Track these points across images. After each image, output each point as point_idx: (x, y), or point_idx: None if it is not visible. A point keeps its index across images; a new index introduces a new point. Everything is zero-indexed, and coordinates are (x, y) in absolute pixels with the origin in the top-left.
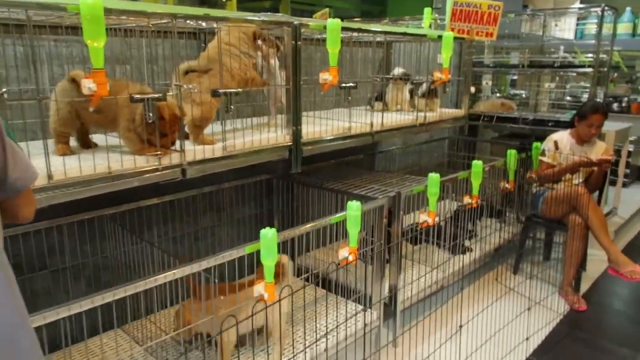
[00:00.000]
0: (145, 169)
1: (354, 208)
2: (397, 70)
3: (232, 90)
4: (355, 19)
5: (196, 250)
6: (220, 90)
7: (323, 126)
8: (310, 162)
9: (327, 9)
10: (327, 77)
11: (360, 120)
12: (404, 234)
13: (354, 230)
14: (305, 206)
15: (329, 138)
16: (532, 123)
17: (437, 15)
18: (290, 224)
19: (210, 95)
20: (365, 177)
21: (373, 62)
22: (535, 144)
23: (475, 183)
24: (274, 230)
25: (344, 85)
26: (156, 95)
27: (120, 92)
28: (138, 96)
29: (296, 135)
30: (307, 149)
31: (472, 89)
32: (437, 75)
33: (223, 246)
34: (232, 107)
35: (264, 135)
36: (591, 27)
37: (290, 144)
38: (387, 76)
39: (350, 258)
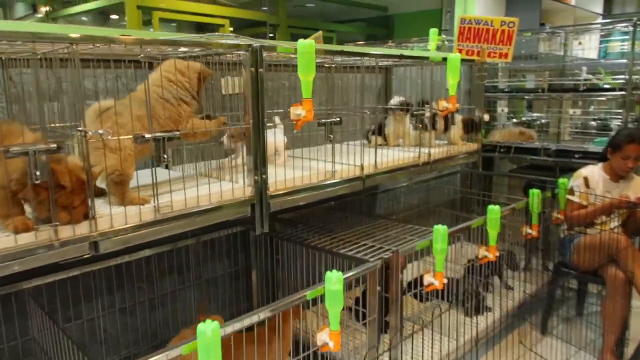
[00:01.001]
0: (31, 247)
1: (333, 281)
2: (396, 100)
3: (164, 134)
4: (359, 43)
5: (153, 322)
6: (148, 135)
7: (301, 170)
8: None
9: (320, 32)
10: (299, 112)
11: (349, 162)
12: (407, 290)
13: (334, 308)
14: (288, 261)
15: (306, 187)
16: (555, 154)
17: (444, 36)
18: (272, 282)
19: (131, 140)
20: (361, 226)
21: (363, 90)
22: (562, 181)
23: (492, 232)
24: (215, 324)
25: (324, 121)
26: (47, 147)
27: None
28: (16, 149)
29: (260, 186)
30: (276, 202)
31: (486, 117)
32: (443, 104)
33: (188, 313)
34: (165, 156)
35: (221, 186)
36: (615, 45)
37: (253, 197)
38: (383, 107)
39: (332, 345)
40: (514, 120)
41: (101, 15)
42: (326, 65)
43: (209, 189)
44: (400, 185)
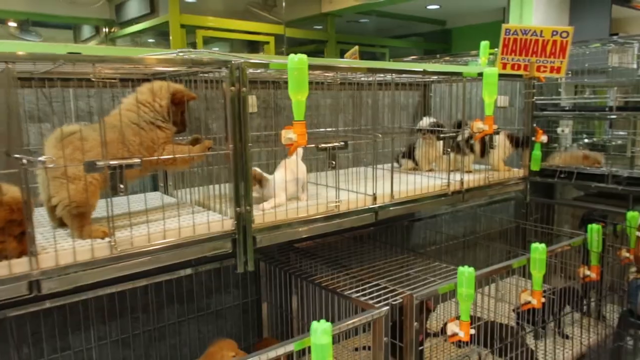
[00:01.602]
0: None
1: (319, 333)
2: (426, 121)
3: (120, 162)
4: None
5: (151, 356)
6: (100, 163)
7: (301, 200)
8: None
9: (356, 47)
10: (290, 135)
11: (360, 190)
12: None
13: None
14: (301, 295)
15: (301, 220)
16: (626, 182)
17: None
18: (285, 316)
19: (85, 169)
20: (384, 260)
21: (393, 109)
22: (632, 214)
23: (537, 275)
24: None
25: (323, 146)
26: None
27: None
28: None
29: (242, 219)
30: (264, 237)
31: (544, 138)
32: (478, 125)
33: (192, 347)
34: (121, 186)
35: (198, 218)
36: None
37: (234, 231)
38: (409, 127)
39: None
40: (586, 140)
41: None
42: (352, 82)
43: (179, 221)
44: (442, 212)
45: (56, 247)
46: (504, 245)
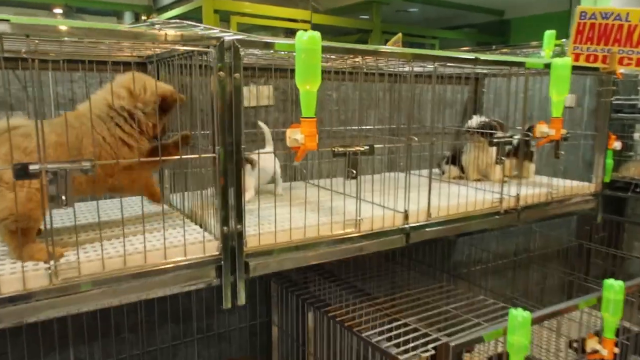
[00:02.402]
0: None
1: None
2: (476, 120)
3: (64, 165)
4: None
5: None
6: (35, 166)
7: (314, 215)
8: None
9: (399, 35)
10: (297, 136)
11: (390, 204)
12: None
13: None
14: (315, 323)
15: (309, 243)
16: None
17: (565, 41)
18: (296, 341)
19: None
20: (417, 286)
21: (438, 105)
22: None
23: (610, 319)
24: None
25: (340, 150)
26: None
27: None
28: None
29: (231, 241)
30: (259, 264)
31: (617, 145)
32: (542, 129)
33: None
34: (63, 197)
35: (175, 236)
36: None
37: (220, 257)
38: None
39: None
40: None
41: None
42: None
43: (144, 241)
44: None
45: None
46: (562, 268)
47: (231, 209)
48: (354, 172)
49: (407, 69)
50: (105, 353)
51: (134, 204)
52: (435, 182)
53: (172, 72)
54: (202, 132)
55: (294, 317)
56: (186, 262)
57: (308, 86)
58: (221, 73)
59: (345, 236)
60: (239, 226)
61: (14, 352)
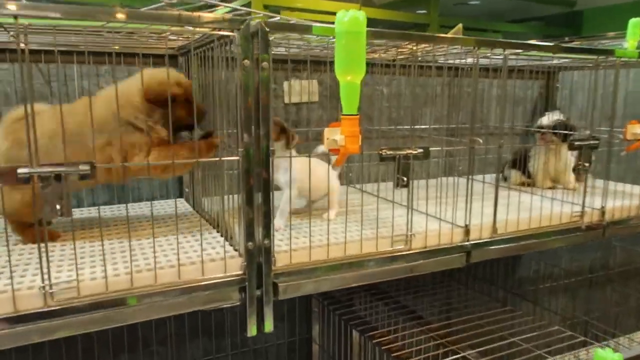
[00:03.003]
0: None
1: None
2: (548, 118)
3: (59, 169)
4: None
5: None
6: (24, 170)
7: (357, 227)
8: None
9: (460, 25)
10: (336, 136)
11: (447, 216)
12: None
13: None
14: (360, 349)
15: (349, 262)
16: None
17: None
18: None
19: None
20: (476, 309)
21: (505, 101)
22: None
23: None
24: None
25: (388, 154)
26: None
27: None
28: None
29: (257, 258)
30: (290, 285)
31: None
32: (634, 130)
33: None
34: (58, 207)
35: (193, 250)
36: None
37: (244, 277)
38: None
39: None
40: None
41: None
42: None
43: (153, 258)
44: None
45: None
46: None
47: (257, 221)
48: (405, 179)
49: (469, 60)
50: None
51: (157, 211)
52: (501, 191)
53: (205, 65)
54: (230, 130)
55: (336, 337)
56: (204, 283)
57: (349, 77)
58: (246, 61)
59: (394, 254)
60: (266, 241)
61: None
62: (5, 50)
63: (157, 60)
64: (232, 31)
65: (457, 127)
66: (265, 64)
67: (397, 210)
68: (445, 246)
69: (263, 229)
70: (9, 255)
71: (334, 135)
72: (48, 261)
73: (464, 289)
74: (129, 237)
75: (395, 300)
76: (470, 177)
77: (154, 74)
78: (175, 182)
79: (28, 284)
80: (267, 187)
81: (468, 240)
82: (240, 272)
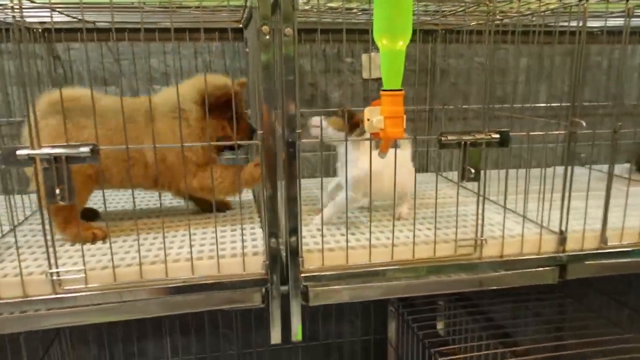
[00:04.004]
0: None
1: None
2: None
3: (60, 151)
4: None
5: None
6: (23, 152)
7: (400, 227)
8: None
9: None
10: (378, 117)
11: (535, 216)
12: None
13: None
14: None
15: (400, 267)
16: None
17: None
18: None
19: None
20: (575, 332)
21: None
22: None
23: None
24: None
25: (451, 139)
26: None
27: None
28: None
29: (282, 257)
30: (322, 291)
31: None
32: None
33: None
34: (57, 190)
35: (217, 245)
36: None
37: (266, 278)
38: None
39: None
40: None
41: None
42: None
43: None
44: None
45: None
46: None
47: (283, 213)
48: (472, 171)
49: (597, 24)
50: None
51: None
52: (620, 186)
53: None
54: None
55: (413, 350)
56: (220, 280)
57: (384, 41)
58: (265, 28)
59: (458, 262)
60: (293, 238)
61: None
62: (76, 30)
63: (222, 35)
64: None
65: (579, 104)
66: (289, 29)
67: (467, 205)
68: (530, 256)
69: (289, 224)
70: (51, 246)
71: (375, 115)
72: (82, 251)
73: (559, 307)
74: (162, 229)
75: (481, 311)
76: (567, 170)
77: (209, 80)
78: None
79: (34, 271)
80: (294, 173)
81: (564, 251)
82: (262, 272)
